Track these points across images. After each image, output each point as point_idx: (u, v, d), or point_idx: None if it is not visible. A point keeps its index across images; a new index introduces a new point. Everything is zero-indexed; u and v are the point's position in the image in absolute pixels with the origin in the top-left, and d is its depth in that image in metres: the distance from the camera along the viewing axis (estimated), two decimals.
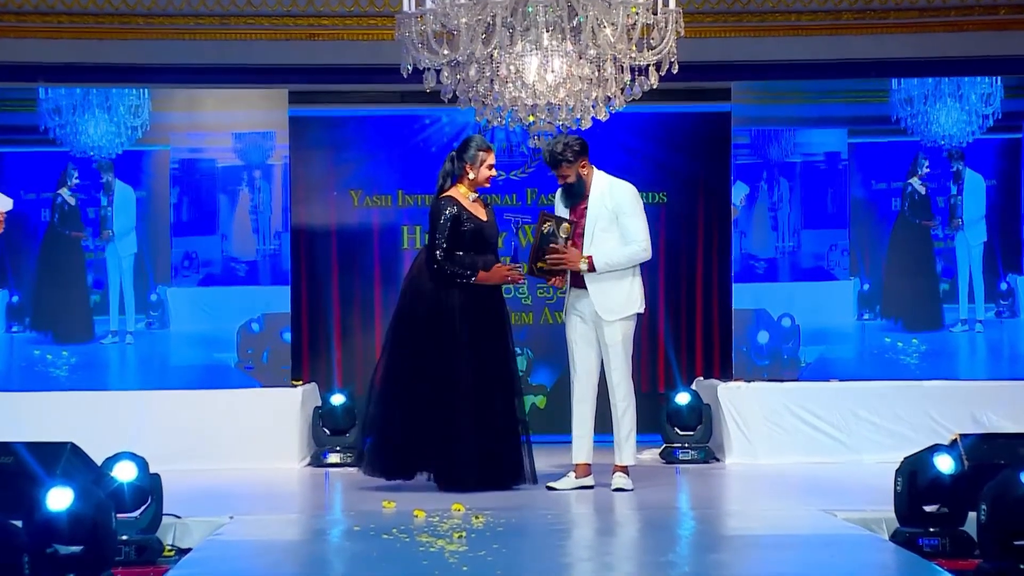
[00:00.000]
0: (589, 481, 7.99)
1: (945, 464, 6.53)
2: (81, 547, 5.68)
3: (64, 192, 9.76)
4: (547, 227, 8.01)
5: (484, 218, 8.07)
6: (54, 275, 9.76)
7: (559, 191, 8.14)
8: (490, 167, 8.07)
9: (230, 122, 9.84)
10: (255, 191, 9.84)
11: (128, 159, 9.78)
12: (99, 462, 6.60)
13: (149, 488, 6.50)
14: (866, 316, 9.83)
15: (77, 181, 9.77)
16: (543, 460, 8.29)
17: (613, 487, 7.88)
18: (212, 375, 9.64)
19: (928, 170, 9.89)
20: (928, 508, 6.53)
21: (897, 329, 9.82)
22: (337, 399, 9.47)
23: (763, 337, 9.73)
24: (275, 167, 9.83)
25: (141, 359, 9.77)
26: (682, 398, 9.52)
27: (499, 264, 8.07)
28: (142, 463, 6.55)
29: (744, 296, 9.82)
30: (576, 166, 7.96)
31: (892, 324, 9.83)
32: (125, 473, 6.47)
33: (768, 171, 9.85)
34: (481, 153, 8.03)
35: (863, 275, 9.84)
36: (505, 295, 8.18)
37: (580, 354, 8.02)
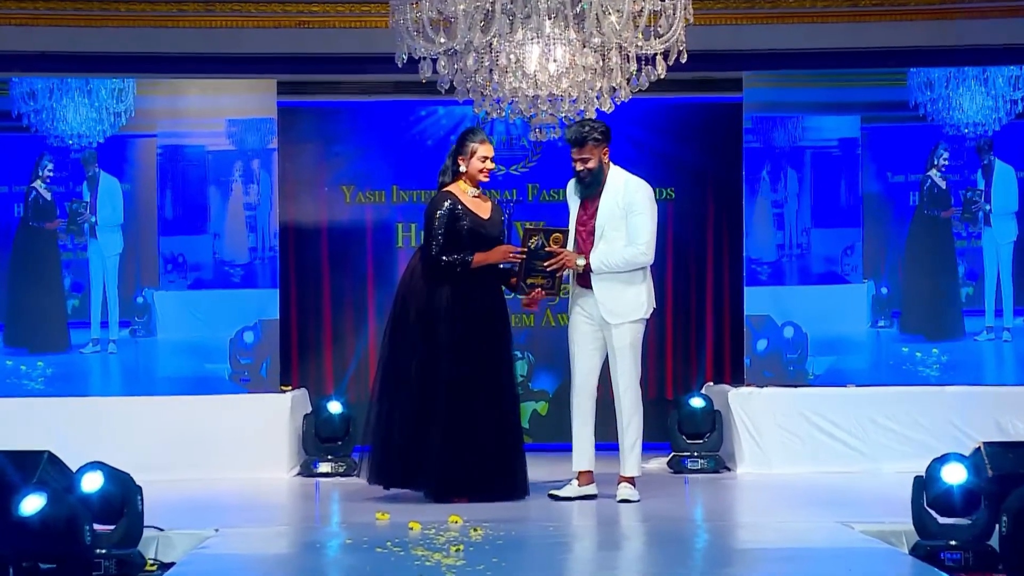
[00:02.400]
0: (592, 490, 8.01)
1: (955, 474, 6.53)
2: (54, 559, 5.74)
3: (39, 185, 9.60)
4: (533, 242, 7.93)
5: (485, 216, 8.03)
6: (28, 278, 9.59)
7: (572, 182, 8.10)
8: (483, 159, 7.98)
9: (222, 107, 9.70)
10: (250, 183, 9.70)
11: (111, 148, 9.63)
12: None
13: (121, 499, 6.47)
14: (881, 323, 9.76)
15: (52, 173, 9.58)
16: (545, 468, 8.30)
17: (618, 498, 7.89)
18: (204, 388, 9.48)
19: (947, 161, 9.75)
20: (946, 520, 6.53)
21: (916, 338, 9.75)
22: (334, 407, 9.42)
23: (762, 345, 9.69)
24: (275, 152, 9.70)
25: (125, 370, 9.61)
26: (696, 402, 9.52)
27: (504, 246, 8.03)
28: (110, 473, 6.53)
29: (746, 301, 9.80)
30: (600, 151, 7.93)
31: (910, 332, 9.77)
32: (92, 484, 6.47)
33: (772, 161, 9.78)
34: (472, 144, 7.99)
35: (878, 278, 9.78)
36: (506, 296, 8.14)
37: (582, 356, 8.02)
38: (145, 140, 9.69)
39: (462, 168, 8.02)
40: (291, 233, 10.48)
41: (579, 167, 7.94)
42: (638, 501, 7.88)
